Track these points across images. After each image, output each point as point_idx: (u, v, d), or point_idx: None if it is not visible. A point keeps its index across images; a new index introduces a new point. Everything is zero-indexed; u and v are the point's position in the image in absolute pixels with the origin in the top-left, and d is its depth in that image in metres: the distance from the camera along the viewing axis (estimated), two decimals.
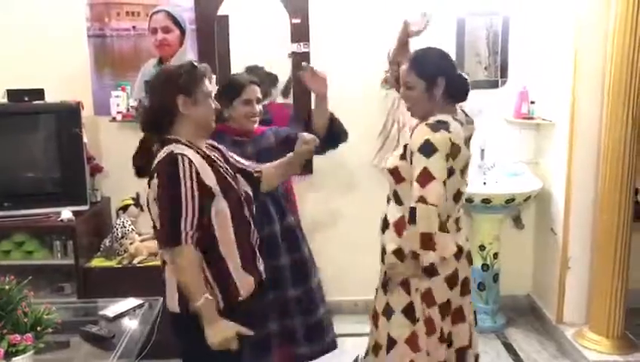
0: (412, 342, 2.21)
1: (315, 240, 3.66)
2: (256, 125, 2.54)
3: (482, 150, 3.54)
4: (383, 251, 2.26)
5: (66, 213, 3.18)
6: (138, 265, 3.17)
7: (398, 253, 2.17)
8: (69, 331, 2.13)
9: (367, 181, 3.63)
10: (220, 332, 1.80)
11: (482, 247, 3.51)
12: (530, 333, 3.56)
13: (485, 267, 3.52)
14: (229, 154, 2.07)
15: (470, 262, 2.31)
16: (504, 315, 3.67)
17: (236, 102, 2.47)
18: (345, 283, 3.76)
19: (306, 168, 3.63)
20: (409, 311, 2.21)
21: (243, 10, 3.67)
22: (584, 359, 3.06)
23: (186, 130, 1.89)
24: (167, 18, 3.30)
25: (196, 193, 1.78)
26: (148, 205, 1.90)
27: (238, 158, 2.11)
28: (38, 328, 1.72)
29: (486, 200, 3.35)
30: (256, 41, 3.74)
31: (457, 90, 2.16)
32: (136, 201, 3.36)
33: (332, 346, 2.75)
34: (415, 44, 3.10)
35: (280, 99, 3.72)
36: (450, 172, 2.07)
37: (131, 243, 3.25)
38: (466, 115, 2.27)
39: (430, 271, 2.10)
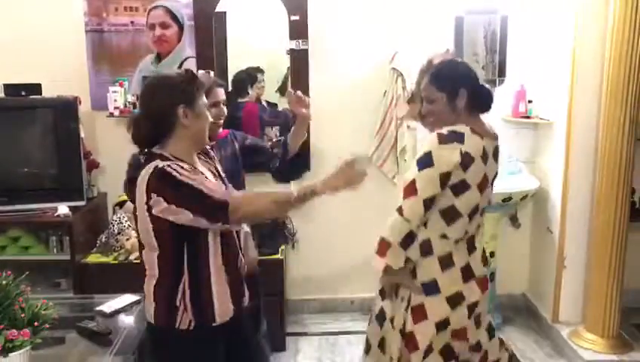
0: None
1: (310, 238, 3.68)
2: (220, 129, 2.48)
3: None
4: None
5: (63, 209, 3.17)
6: (134, 262, 3.16)
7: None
8: (66, 327, 2.13)
9: (365, 179, 3.63)
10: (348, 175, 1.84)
11: None
12: (526, 332, 3.57)
13: None
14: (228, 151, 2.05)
15: (483, 287, 2.17)
16: (500, 314, 3.67)
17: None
18: (340, 281, 3.76)
19: (303, 166, 3.62)
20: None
21: (241, 7, 3.67)
22: (579, 358, 3.07)
23: (181, 143, 1.79)
24: (166, 14, 3.29)
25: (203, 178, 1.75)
26: (135, 220, 1.82)
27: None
28: (35, 323, 1.71)
29: None
30: (254, 38, 3.74)
31: (481, 101, 2.10)
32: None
33: None
34: (427, 52, 3.13)
35: (275, 98, 3.74)
36: (465, 186, 2.00)
37: (128, 240, 3.24)
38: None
39: (428, 288, 2.07)
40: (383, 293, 2.26)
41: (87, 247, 3.32)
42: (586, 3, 3.07)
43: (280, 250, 3.38)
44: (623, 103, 2.89)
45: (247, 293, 1.97)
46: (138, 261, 3.06)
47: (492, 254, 3.54)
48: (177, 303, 1.79)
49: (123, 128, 3.39)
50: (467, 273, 2.10)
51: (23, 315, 1.71)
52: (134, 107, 3.40)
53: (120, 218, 3.31)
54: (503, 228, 3.70)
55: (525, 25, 3.54)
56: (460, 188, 2.00)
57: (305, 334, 3.56)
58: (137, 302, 2.31)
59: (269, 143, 2.62)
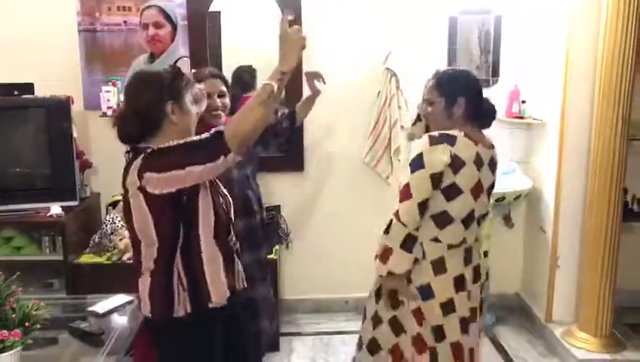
0: (394, 353, 2.23)
1: (304, 238, 3.68)
2: (221, 120, 2.48)
3: None
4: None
5: (55, 209, 3.16)
6: (127, 262, 3.15)
7: None
8: (58, 327, 2.12)
9: (358, 179, 3.64)
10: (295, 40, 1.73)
11: None
12: (519, 332, 3.57)
13: None
14: None
15: (477, 301, 2.20)
16: (493, 313, 3.68)
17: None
18: (334, 281, 3.76)
19: (297, 166, 3.63)
20: (394, 324, 2.23)
21: (235, 7, 3.66)
22: (572, 357, 3.08)
23: (167, 140, 1.75)
24: (159, 13, 3.28)
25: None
26: (128, 219, 1.80)
27: None
28: (27, 324, 1.70)
29: None
30: (249, 38, 3.73)
31: (480, 114, 2.14)
32: None
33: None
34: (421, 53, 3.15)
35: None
36: (456, 190, 2.03)
37: (121, 240, 3.23)
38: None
39: (424, 292, 2.10)
40: (378, 295, 2.27)
41: (80, 247, 3.30)
42: (579, 3, 3.08)
43: (274, 249, 3.37)
44: (616, 103, 2.90)
45: (241, 274, 1.98)
46: (131, 261, 3.11)
47: (485, 254, 3.54)
48: (174, 292, 1.79)
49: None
50: (460, 284, 2.12)
51: (14, 316, 1.70)
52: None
53: (113, 218, 3.30)
54: (496, 227, 3.70)
55: (519, 25, 3.55)
56: (451, 192, 2.03)
57: (299, 334, 3.56)
58: (130, 302, 2.30)
59: (275, 120, 2.62)
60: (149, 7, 3.35)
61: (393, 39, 3.47)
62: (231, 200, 1.99)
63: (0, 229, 3.22)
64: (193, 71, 2.81)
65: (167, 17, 3.33)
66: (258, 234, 2.60)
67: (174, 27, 3.39)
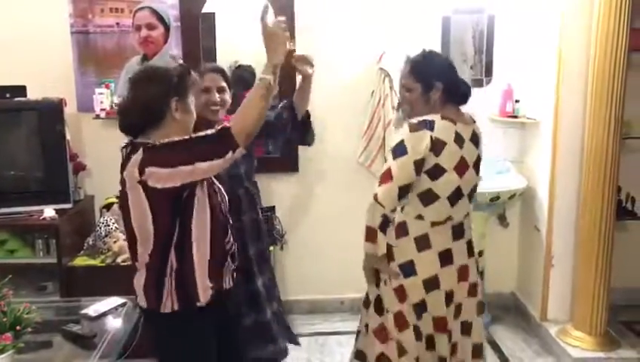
0: (380, 333, 2.25)
1: (299, 238, 3.67)
2: (220, 115, 2.44)
3: None
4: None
5: (49, 212, 3.15)
6: (122, 264, 3.14)
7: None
8: (52, 330, 2.12)
9: (353, 179, 3.64)
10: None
11: None
12: (515, 331, 3.58)
13: None
14: None
15: (461, 277, 2.23)
16: (489, 313, 3.68)
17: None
18: (329, 282, 3.75)
19: (292, 166, 3.63)
20: (377, 304, 2.27)
21: (228, 8, 3.66)
22: (568, 356, 3.08)
23: (166, 136, 1.77)
24: (152, 15, 3.26)
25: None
26: (125, 218, 1.82)
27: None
28: (18, 327, 1.70)
29: None
30: (243, 39, 3.73)
31: (456, 94, 2.18)
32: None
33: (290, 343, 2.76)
34: (414, 53, 3.14)
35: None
36: (439, 170, 2.08)
37: (115, 242, 3.22)
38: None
39: (406, 269, 2.14)
40: (366, 304, 2.33)
41: (74, 250, 3.29)
42: (572, 3, 3.09)
43: (269, 250, 3.36)
44: (609, 102, 2.90)
45: (230, 274, 1.97)
46: (125, 263, 3.12)
47: (480, 253, 3.55)
48: (164, 288, 1.81)
49: (110, 130, 3.43)
50: (446, 258, 2.17)
51: (5, 319, 1.70)
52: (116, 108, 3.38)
53: (107, 220, 3.29)
54: (491, 227, 3.71)
55: (512, 24, 3.55)
56: (435, 172, 2.08)
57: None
58: (123, 305, 2.30)
59: (276, 111, 2.56)
60: (141, 8, 3.33)
61: (387, 39, 3.47)
62: (227, 200, 1.99)
63: None
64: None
65: (160, 19, 3.30)
66: (245, 235, 2.54)
67: (167, 28, 3.37)
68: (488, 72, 3.61)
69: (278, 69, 1.83)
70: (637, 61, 3.40)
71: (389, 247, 2.16)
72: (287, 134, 2.60)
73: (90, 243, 3.31)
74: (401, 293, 2.17)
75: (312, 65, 2.44)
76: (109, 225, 3.27)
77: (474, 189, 2.22)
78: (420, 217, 2.14)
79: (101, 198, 3.46)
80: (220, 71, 2.47)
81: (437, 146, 2.06)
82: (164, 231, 1.78)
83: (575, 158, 3.19)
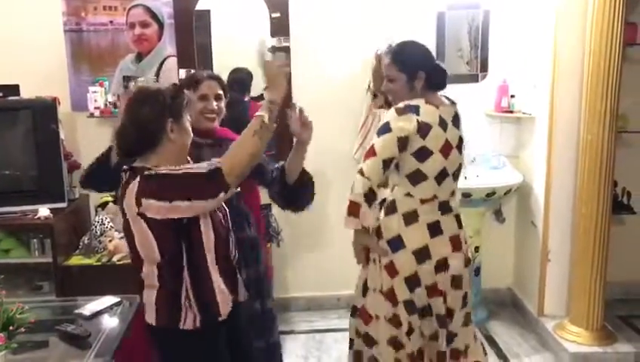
0: (364, 314, 2.35)
1: (295, 236, 3.67)
2: (215, 123, 2.35)
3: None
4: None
5: (44, 211, 3.14)
6: (117, 263, 3.14)
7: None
8: (46, 330, 2.11)
9: (349, 176, 3.60)
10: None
11: None
12: (512, 326, 3.58)
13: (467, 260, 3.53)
14: None
15: (455, 246, 2.27)
16: (486, 308, 3.69)
17: (193, 98, 2.27)
18: (326, 279, 3.75)
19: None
20: (365, 287, 2.37)
21: (222, 4, 3.64)
22: (564, 351, 3.09)
23: (164, 157, 1.77)
24: (145, 12, 3.26)
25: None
26: (127, 236, 1.82)
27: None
28: (11, 327, 1.69)
29: (466, 194, 3.35)
30: (237, 36, 3.71)
31: (437, 81, 2.26)
32: (116, 198, 3.32)
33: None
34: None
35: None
36: (426, 152, 2.16)
37: (110, 241, 3.22)
38: (448, 98, 2.32)
39: (394, 244, 2.21)
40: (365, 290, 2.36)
41: (69, 249, 3.28)
42: None
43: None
44: (604, 97, 2.90)
45: (241, 286, 1.99)
46: (121, 262, 3.13)
47: (477, 249, 3.56)
48: (182, 305, 1.79)
49: (104, 129, 3.42)
50: (435, 229, 2.23)
51: None
52: (115, 107, 3.37)
53: (102, 219, 3.28)
54: (487, 222, 3.71)
55: (507, 20, 3.54)
56: (422, 154, 2.16)
57: (291, 332, 3.55)
58: (118, 304, 2.29)
59: (276, 166, 2.37)
60: (135, 6, 3.33)
61: (381, 35, 3.45)
62: (227, 212, 1.97)
63: None
64: (192, 72, 2.70)
65: (154, 16, 3.31)
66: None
67: (161, 26, 3.37)
68: (484, 67, 3.60)
69: (277, 106, 1.80)
70: (632, 55, 3.40)
71: (378, 226, 2.24)
72: (272, 192, 2.40)
73: (86, 242, 3.30)
74: (391, 269, 2.23)
75: (309, 129, 2.19)
76: (104, 224, 3.26)
77: (459, 169, 2.30)
78: (408, 195, 2.22)
79: (96, 197, 3.45)
80: (217, 78, 2.40)
81: (423, 129, 2.14)
82: (173, 254, 1.77)
83: (571, 153, 3.19)
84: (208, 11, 3.65)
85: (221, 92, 2.37)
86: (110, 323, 2.18)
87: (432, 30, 3.53)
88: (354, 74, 3.52)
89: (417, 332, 2.27)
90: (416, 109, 2.15)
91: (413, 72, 2.20)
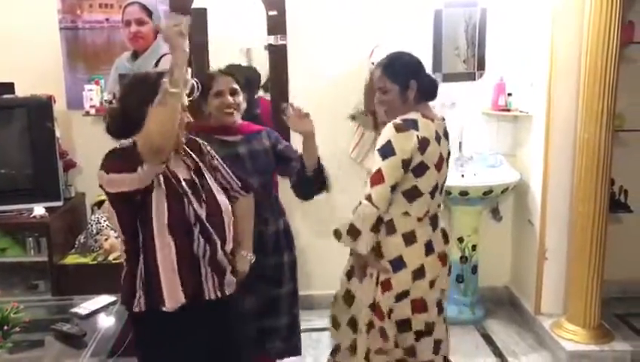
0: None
1: (293, 234, 3.64)
2: (236, 118, 2.41)
3: (460, 142, 3.55)
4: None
5: (39, 210, 3.12)
6: (113, 262, 3.11)
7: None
8: (42, 329, 2.10)
9: (346, 175, 3.61)
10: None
11: (461, 239, 3.52)
12: (509, 324, 3.58)
13: (464, 259, 3.53)
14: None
15: (443, 263, 2.29)
16: (483, 307, 3.68)
17: (209, 97, 2.38)
18: (325, 277, 3.73)
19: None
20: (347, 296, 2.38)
21: (221, 3, 3.63)
22: (561, 349, 3.09)
23: None
24: (141, 10, 3.23)
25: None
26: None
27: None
28: (5, 327, 1.68)
29: (464, 193, 3.36)
30: (234, 34, 3.70)
31: (428, 91, 2.25)
32: None
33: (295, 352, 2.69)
34: (406, 46, 3.13)
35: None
36: (423, 167, 2.14)
37: (106, 240, 3.20)
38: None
39: (396, 264, 2.19)
40: (349, 274, 2.38)
41: (65, 248, 3.27)
42: None
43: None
44: (601, 95, 2.89)
45: (212, 283, 1.89)
46: (117, 261, 3.10)
47: (474, 247, 3.56)
48: (136, 287, 1.82)
49: (100, 127, 3.34)
50: (429, 248, 2.23)
51: None
52: (105, 111, 3.36)
53: (98, 218, 3.27)
54: (484, 221, 3.71)
55: (504, 18, 3.54)
56: (420, 170, 2.14)
57: None
58: (114, 303, 2.28)
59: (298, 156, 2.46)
60: (130, 3, 3.29)
61: (378, 33, 3.45)
62: (225, 204, 1.94)
63: None
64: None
65: (150, 14, 3.28)
66: (264, 240, 2.48)
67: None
68: (481, 65, 3.60)
69: (179, 69, 1.68)
70: (629, 54, 3.40)
71: (378, 245, 2.19)
72: (292, 183, 2.51)
73: (82, 241, 3.28)
74: (386, 285, 2.21)
75: (308, 119, 2.30)
76: (100, 223, 3.25)
77: (444, 182, 2.30)
78: (406, 214, 2.19)
79: (92, 196, 3.43)
80: (231, 74, 2.43)
81: (423, 144, 2.12)
82: (130, 232, 1.80)
83: (568, 151, 3.18)
84: (205, 9, 3.64)
85: (236, 86, 2.42)
86: (106, 322, 2.18)
87: (429, 28, 3.52)
88: (351, 72, 3.51)
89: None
90: (414, 124, 2.12)
91: (405, 82, 2.19)
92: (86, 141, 3.47)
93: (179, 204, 1.82)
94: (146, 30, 3.08)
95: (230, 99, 2.38)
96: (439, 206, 2.31)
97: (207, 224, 1.86)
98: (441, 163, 2.21)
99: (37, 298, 3.00)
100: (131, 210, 1.78)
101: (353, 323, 2.37)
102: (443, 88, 3.52)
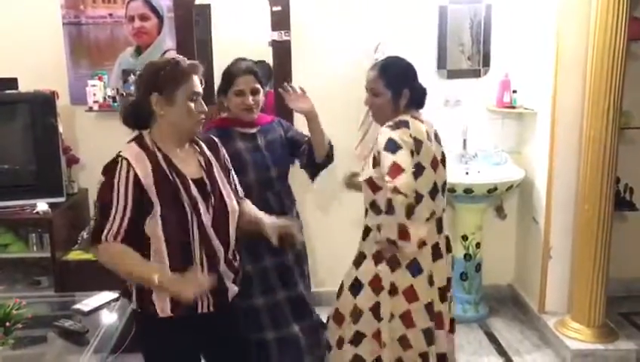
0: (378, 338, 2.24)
1: None
2: (254, 115, 2.45)
3: (464, 140, 3.53)
4: (361, 256, 2.29)
5: (42, 205, 3.12)
6: None
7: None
8: (44, 326, 2.09)
9: (349, 170, 3.60)
10: (186, 283, 1.68)
11: (465, 237, 3.51)
12: (513, 323, 3.56)
13: (468, 257, 3.52)
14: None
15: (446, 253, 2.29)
16: (486, 305, 3.67)
17: (230, 93, 2.41)
18: (326, 275, 3.73)
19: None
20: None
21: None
22: (566, 348, 3.07)
23: (162, 130, 1.80)
24: (145, 5, 3.24)
25: (129, 200, 1.74)
26: None
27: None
28: (7, 324, 1.67)
29: (468, 190, 3.34)
30: (238, 30, 3.69)
31: (418, 100, 2.25)
32: None
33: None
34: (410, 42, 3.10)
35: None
36: (420, 168, 2.12)
37: None
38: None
39: (414, 268, 2.16)
40: (357, 263, 2.31)
41: (68, 244, 3.26)
42: None
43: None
44: (607, 92, 2.87)
45: (208, 299, 1.84)
46: None
47: (478, 245, 3.54)
48: (131, 287, 1.83)
49: (103, 123, 3.40)
50: (437, 253, 2.21)
51: None
52: (114, 101, 3.35)
53: None
54: (488, 218, 3.69)
55: (510, 14, 3.51)
56: (418, 170, 2.11)
57: None
58: (116, 300, 2.27)
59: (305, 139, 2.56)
60: None
61: (383, 29, 3.43)
62: (234, 209, 1.90)
63: None
64: (232, 64, 2.54)
65: (153, 9, 3.28)
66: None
67: (160, 19, 3.35)
68: (486, 62, 3.57)
69: (165, 285, 1.71)
70: (636, 51, 3.37)
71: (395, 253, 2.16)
72: (301, 165, 2.62)
73: (85, 237, 3.27)
74: (411, 294, 2.16)
75: (306, 98, 2.41)
76: None
77: (445, 184, 2.28)
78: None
79: (95, 191, 3.41)
80: (253, 72, 2.44)
81: (416, 143, 2.11)
82: (129, 230, 1.77)
83: (573, 149, 3.16)
84: (208, 5, 3.63)
85: (258, 85, 2.45)
86: (108, 319, 2.18)
87: (434, 24, 3.50)
88: (355, 67, 3.48)
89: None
90: (407, 124, 2.13)
91: (398, 89, 2.18)
92: (89, 137, 3.47)
93: (174, 216, 1.77)
94: (150, 25, 3.10)
95: (250, 99, 2.41)
96: (443, 210, 2.28)
97: (211, 232, 1.81)
98: (436, 163, 2.20)
99: (39, 294, 3.00)
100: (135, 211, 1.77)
101: (355, 315, 2.30)
102: (447, 85, 3.55)
